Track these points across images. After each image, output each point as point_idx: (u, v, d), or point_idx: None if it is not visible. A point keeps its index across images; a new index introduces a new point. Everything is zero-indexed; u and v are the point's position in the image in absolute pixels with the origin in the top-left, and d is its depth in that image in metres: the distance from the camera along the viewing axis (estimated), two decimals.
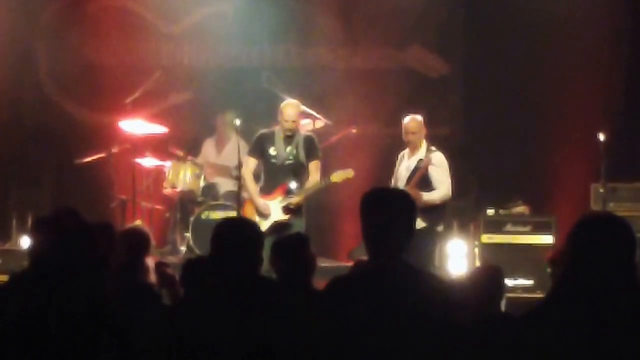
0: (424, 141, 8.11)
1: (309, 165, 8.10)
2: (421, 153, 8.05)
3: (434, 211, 7.89)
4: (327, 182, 8.09)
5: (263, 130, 8.31)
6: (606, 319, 3.05)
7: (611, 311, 3.06)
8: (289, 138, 8.06)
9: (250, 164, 8.18)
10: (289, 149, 8.06)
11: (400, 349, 3.25)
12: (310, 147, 8.11)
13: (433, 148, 8.07)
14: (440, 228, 8.02)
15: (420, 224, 7.75)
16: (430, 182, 7.94)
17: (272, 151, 8.07)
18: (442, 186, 7.94)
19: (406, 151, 8.17)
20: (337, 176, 8.05)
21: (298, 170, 8.12)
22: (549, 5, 10.31)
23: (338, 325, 3.31)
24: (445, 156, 8.06)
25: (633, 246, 3.17)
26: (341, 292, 3.42)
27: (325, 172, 8.19)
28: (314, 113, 9.69)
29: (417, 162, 8.02)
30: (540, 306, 3.22)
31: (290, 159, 8.07)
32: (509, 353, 3.22)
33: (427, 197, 7.87)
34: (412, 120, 8.12)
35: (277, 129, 8.14)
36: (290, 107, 8.08)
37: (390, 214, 3.41)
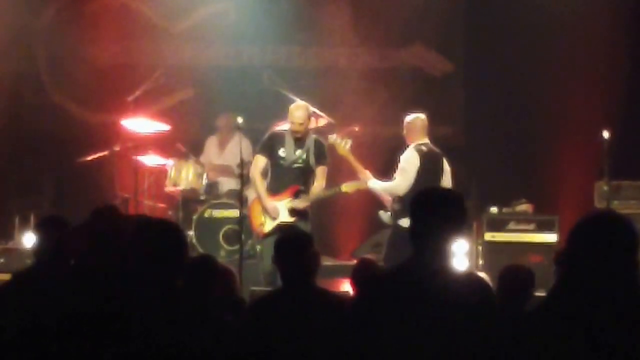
0: (415, 140, 8.00)
1: (317, 170, 8.03)
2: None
3: (397, 204, 7.84)
4: (337, 191, 8.03)
5: (274, 130, 8.25)
6: (607, 317, 3.05)
7: (612, 309, 3.06)
8: (300, 141, 7.98)
9: (260, 162, 8.09)
10: (298, 152, 7.99)
11: (439, 347, 3.26)
12: (320, 151, 8.03)
13: (420, 147, 7.94)
14: (402, 222, 7.72)
15: (386, 217, 7.90)
16: None
17: (281, 152, 7.98)
18: (394, 179, 7.85)
19: None
20: (349, 186, 7.96)
21: (306, 174, 8.04)
22: (551, 3, 10.29)
23: (379, 323, 3.31)
24: (423, 155, 7.87)
25: (634, 244, 3.16)
26: (382, 291, 3.41)
27: (329, 172, 8.16)
28: (317, 111, 9.66)
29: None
30: (542, 304, 3.22)
31: (299, 163, 8.00)
32: (510, 351, 3.21)
33: (371, 184, 7.90)
34: (410, 117, 8.08)
35: (287, 130, 8.07)
36: (298, 109, 7.99)
37: (442, 215, 3.41)
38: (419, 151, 7.86)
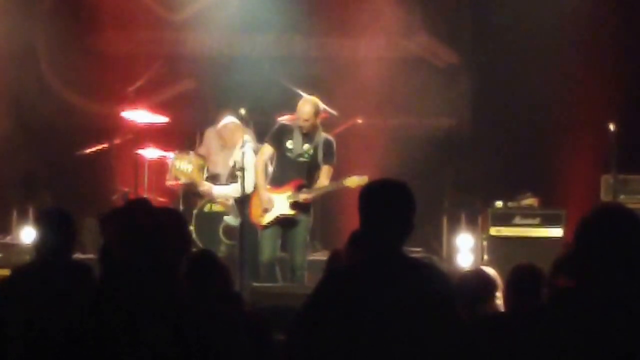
0: (239, 140, 8.55)
1: (322, 167, 8.00)
2: None
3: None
4: (340, 185, 7.97)
5: (284, 122, 8.23)
6: (617, 311, 3.01)
7: (622, 304, 3.02)
8: (308, 136, 7.95)
9: (267, 152, 8.10)
10: (306, 146, 7.97)
11: (398, 342, 3.21)
12: (328, 150, 8.01)
13: (250, 145, 8.44)
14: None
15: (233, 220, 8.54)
16: None
17: (289, 144, 7.97)
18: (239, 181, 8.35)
19: None
20: (352, 181, 7.84)
21: (311, 169, 8.03)
22: None
23: (334, 318, 3.26)
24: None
25: None
26: (339, 285, 3.36)
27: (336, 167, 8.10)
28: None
29: None
30: (551, 300, 3.29)
31: (305, 157, 7.98)
32: (512, 350, 3.19)
33: (217, 191, 8.56)
34: (225, 122, 8.82)
35: (296, 123, 8.04)
36: (305, 104, 7.96)
37: (390, 207, 3.37)
38: (252, 149, 8.36)
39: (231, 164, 8.72)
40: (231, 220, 8.56)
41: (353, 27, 10.91)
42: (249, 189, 8.28)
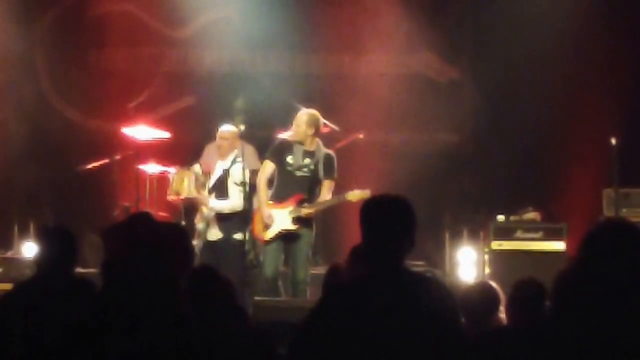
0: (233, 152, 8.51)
1: (324, 182, 8.00)
2: None
3: (235, 219, 8.27)
4: (341, 199, 7.96)
5: (284, 138, 8.23)
6: (618, 326, 3.02)
7: (623, 318, 3.03)
8: (309, 151, 7.97)
9: (268, 168, 8.10)
10: (307, 161, 7.97)
11: (401, 357, 3.20)
12: (330, 165, 8.02)
13: (240, 160, 8.35)
14: (237, 235, 8.17)
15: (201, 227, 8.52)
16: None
17: (289, 159, 7.98)
18: (232, 195, 8.37)
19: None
20: (354, 195, 7.85)
21: (312, 184, 8.03)
22: (559, 13, 10.22)
23: (336, 333, 3.26)
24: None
25: None
26: (341, 300, 3.36)
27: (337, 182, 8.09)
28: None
29: None
30: (552, 314, 3.22)
31: (305, 171, 7.98)
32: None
33: (212, 204, 8.40)
34: (225, 129, 8.57)
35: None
36: (301, 115, 8.01)
37: (391, 221, 3.37)
38: (242, 165, 8.31)
39: (220, 172, 8.65)
40: (201, 227, 8.56)
41: (355, 44, 10.93)
42: (237, 205, 8.27)
